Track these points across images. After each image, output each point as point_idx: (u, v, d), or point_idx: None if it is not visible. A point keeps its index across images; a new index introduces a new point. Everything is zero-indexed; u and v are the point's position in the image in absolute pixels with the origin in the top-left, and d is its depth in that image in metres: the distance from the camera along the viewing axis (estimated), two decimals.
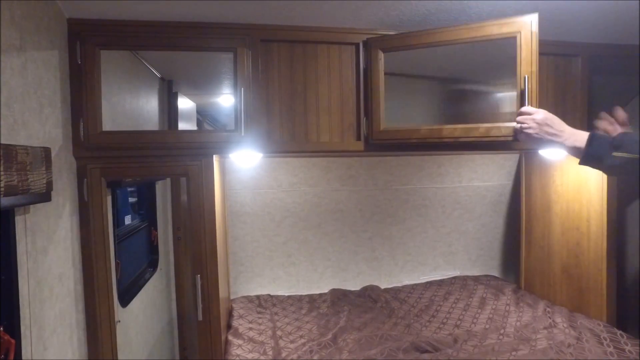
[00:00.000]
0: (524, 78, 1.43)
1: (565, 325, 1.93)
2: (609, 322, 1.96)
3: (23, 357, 1.08)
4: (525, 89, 1.42)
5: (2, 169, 0.93)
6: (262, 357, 1.75)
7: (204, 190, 1.64)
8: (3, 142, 1.00)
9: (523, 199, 2.60)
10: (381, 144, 1.71)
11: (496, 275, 2.83)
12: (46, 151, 1.18)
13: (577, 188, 2.15)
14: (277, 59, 1.69)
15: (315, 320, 2.14)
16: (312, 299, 2.43)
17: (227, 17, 1.55)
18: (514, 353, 1.70)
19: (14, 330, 1.07)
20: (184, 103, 2.09)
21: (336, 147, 1.75)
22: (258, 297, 2.44)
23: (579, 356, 1.66)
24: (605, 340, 1.76)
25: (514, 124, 1.31)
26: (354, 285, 2.62)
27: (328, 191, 2.55)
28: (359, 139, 1.75)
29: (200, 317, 1.65)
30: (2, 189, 0.94)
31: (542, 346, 1.75)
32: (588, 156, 1.09)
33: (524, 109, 1.29)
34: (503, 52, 1.52)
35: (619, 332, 1.81)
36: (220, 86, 1.94)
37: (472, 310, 2.21)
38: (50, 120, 1.32)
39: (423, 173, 2.66)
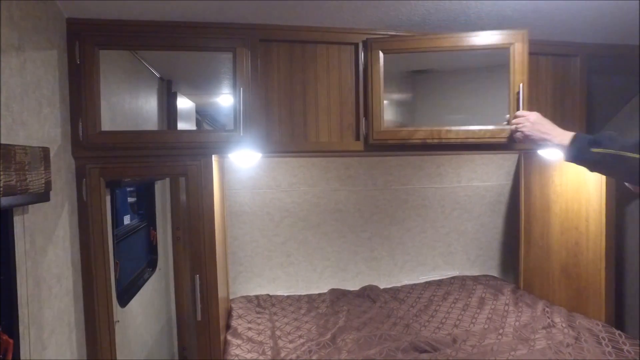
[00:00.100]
0: (519, 85, 1.60)
1: (564, 325, 1.93)
2: (607, 321, 1.96)
3: (21, 357, 1.08)
4: (519, 95, 1.59)
5: (1, 169, 0.93)
6: (261, 357, 1.75)
7: (203, 190, 1.64)
8: (2, 142, 1.00)
9: (522, 199, 2.60)
10: (380, 144, 1.71)
11: (495, 275, 2.83)
12: (45, 151, 1.18)
13: (576, 188, 2.15)
14: (277, 59, 1.69)
15: (314, 320, 2.15)
16: (311, 299, 2.43)
17: (226, 16, 1.55)
18: (512, 353, 1.70)
19: (13, 330, 1.06)
20: (183, 103, 2.08)
21: (335, 147, 1.75)
22: (257, 297, 2.44)
23: (577, 356, 1.66)
24: (604, 340, 1.76)
25: (510, 126, 1.50)
26: (353, 285, 2.62)
27: (327, 191, 2.55)
28: (358, 139, 1.75)
29: (199, 317, 1.65)
30: (1, 189, 0.93)
31: (541, 346, 1.75)
32: (571, 152, 1.20)
33: (519, 112, 1.47)
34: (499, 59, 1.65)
35: (617, 331, 1.81)
36: (220, 86, 1.94)
37: (471, 310, 2.21)
38: (49, 120, 1.32)
39: (422, 173, 2.66)
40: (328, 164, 2.51)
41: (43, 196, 1.19)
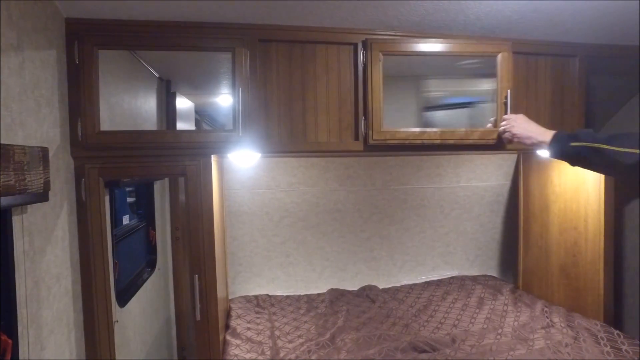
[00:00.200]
0: (507, 92, 1.74)
1: (562, 325, 1.93)
2: (606, 321, 1.97)
3: (20, 357, 1.08)
4: (507, 100, 1.74)
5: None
6: (260, 357, 1.75)
7: (202, 190, 1.64)
8: (1, 142, 0.99)
9: (521, 199, 2.60)
10: (380, 144, 1.72)
11: (494, 275, 2.83)
12: (44, 151, 1.18)
13: (574, 188, 2.15)
14: (276, 59, 1.69)
15: (313, 320, 2.15)
16: (310, 299, 2.43)
17: (225, 17, 1.55)
18: (511, 353, 1.71)
19: (11, 330, 1.06)
20: (182, 103, 2.08)
21: (334, 147, 1.75)
22: (256, 297, 2.44)
23: (576, 356, 1.67)
24: (603, 340, 1.76)
25: (498, 128, 1.69)
26: (352, 285, 2.62)
27: (326, 191, 2.55)
28: (357, 139, 1.75)
29: (198, 317, 1.65)
30: (0, 189, 0.93)
31: (540, 346, 1.76)
32: (553, 148, 1.32)
33: (506, 116, 1.65)
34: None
35: (616, 331, 1.82)
36: (219, 86, 1.94)
37: (470, 310, 2.21)
38: (48, 120, 1.32)
39: (421, 173, 2.67)
40: (327, 164, 2.51)
41: (42, 196, 1.19)
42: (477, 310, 2.20)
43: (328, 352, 1.76)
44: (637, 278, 2.11)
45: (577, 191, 2.13)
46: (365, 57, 1.70)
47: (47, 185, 1.20)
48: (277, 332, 1.99)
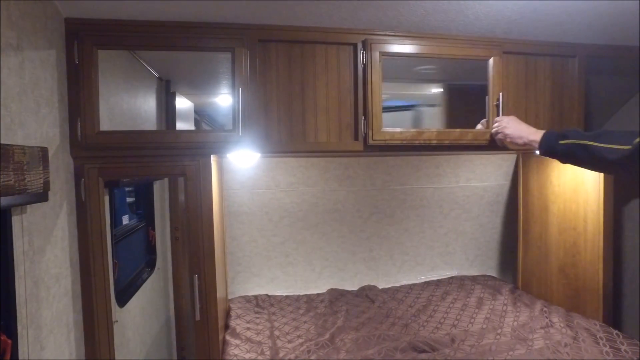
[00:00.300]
0: (500, 94, 1.79)
1: (562, 325, 1.93)
2: (605, 321, 1.97)
3: (20, 358, 1.08)
4: (499, 102, 1.78)
5: None
6: (259, 357, 1.75)
7: (202, 190, 1.64)
8: (0, 142, 0.99)
9: (520, 199, 2.61)
10: (380, 144, 1.72)
11: (493, 275, 2.84)
12: (43, 151, 1.18)
13: (574, 188, 2.16)
14: (275, 59, 1.69)
15: (312, 320, 2.15)
16: (309, 299, 2.44)
17: (225, 17, 1.55)
18: (511, 353, 1.71)
19: (11, 330, 1.06)
20: (182, 103, 2.08)
21: (334, 147, 1.75)
22: (256, 297, 2.44)
23: (575, 356, 1.67)
24: (602, 339, 1.76)
25: (490, 129, 1.75)
26: (351, 285, 2.62)
27: (326, 191, 2.55)
28: (356, 139, 1.75)
29: (197, 317, 1.65)
30: None
31: (539, 346, 1.76)
32: (543, 147, 1.37)
33: (498, 117, 1.71)
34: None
35: (615, 331, 1.82)
36: (218, 86, 1.94)
37: (470, 310, 2.22)
38: (48, 120, 1.32)
39: (421, 173, 2.67)
40: (327, 164, 2.51)
41: (41, 196, 1.18)
42: (477, 310, 2.20)
43: (327, 352, 1.77)
44: (637, 278, 2.12)
45: (577, 191, 2.14)
46: (364, 57, 1.70)
47: (46, 185, 1.20)
48: (276, 332, 1.99)
